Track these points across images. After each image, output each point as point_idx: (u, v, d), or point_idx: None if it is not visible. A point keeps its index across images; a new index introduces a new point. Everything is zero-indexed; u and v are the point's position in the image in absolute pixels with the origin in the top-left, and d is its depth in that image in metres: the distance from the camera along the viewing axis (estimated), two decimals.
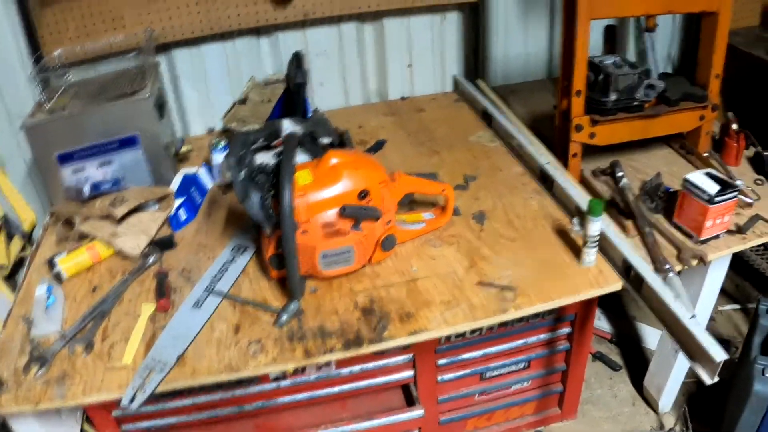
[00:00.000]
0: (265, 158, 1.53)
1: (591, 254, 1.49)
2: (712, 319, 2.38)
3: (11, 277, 1.93)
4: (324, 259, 1.44)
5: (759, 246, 2.29)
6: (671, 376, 1.98)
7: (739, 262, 2.41)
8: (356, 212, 1.41)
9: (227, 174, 1.78)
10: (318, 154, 1.50)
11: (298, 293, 1.44)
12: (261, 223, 1.43)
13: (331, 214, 1.41)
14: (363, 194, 1.42)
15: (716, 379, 1.25)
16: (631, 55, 2.44)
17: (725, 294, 2.50)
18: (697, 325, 1.29)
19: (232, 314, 1.46)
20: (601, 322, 2.39)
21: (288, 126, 1.66)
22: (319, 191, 1.39)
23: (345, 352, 1.35)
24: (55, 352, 1.40)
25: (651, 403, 2.11)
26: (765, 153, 1.83)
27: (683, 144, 1.92)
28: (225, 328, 1.43)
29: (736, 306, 2.45)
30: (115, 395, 1.31)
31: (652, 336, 2.30)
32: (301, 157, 1.54)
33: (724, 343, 2.28)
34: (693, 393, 2.13)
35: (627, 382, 2.20)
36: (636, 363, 2.24)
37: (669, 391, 2.04)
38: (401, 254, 1.59)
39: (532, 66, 2.42)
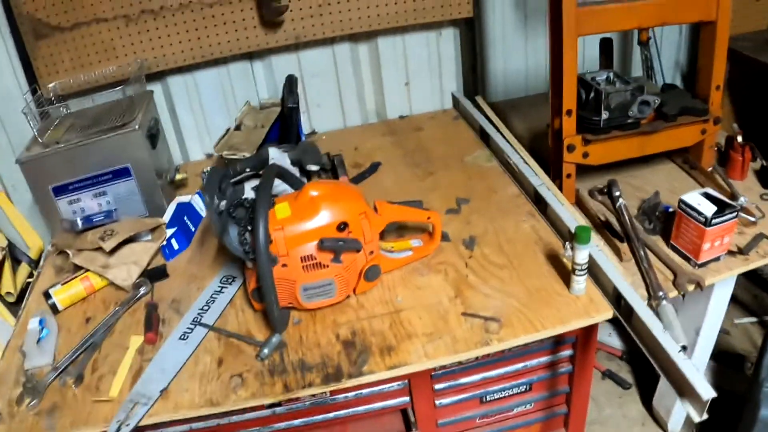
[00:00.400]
0: (249, 190, 1.53)
1: (580, 282, 1.44)
2: (726, 332, 2.30)
3: (18, 303, 1.97)
4: (305, 292, 1.42)
5: None
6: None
7: (754, 274, 2.31)
8: (335, 245, 1.39)
9: None
10: (298, 188, 1.48)
11: (280, 327, 1.43)
12: (241, 258, 1.42)
13: (310, 247, 1.39)
14: (342, 227, 1.40)
15: (705, 416, 1.20)
16: (636, 66, 2.35)
17: (742, 306, 2.41)
18: (685, 359, 1.23)
19: (217, 347, 1.46)
20: (611, 339, 2.33)
21: (274, 155, 1.65)
22: (298, 224, 1.38)
23: (324, 387, 1.33)
24: (47, 384, 1.42)
25: (661, 424, 2.05)
26: None
27: (686, 159, 1.85)
28: (209, 361, 1.42)
29: (753, 319, 2.36)
30: (100, 428, 1.32)
31: None
32: (282, 188, 1.54)
33: (738, 358, 2.20)
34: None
35: (637, 401, 2.14)
36: (646, 381, 2.17)
37: (679, 411, 1.98)
38: (387, 283, 1.56)
39: (533, 80, 2.36)
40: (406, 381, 1.67)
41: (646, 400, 2.12)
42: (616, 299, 1.43)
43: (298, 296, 1.43)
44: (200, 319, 1.52)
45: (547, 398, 1.88)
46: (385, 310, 1.49)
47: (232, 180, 1.54)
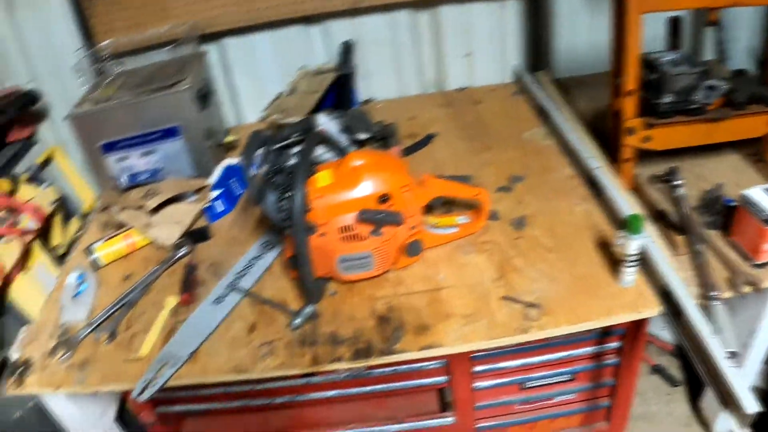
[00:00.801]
0: (292, 156, 1.48)
1: (629, 274, 1.34)
2: None
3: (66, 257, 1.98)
4: (342, 264, 1.37)
5: None
6: None
7: None
8: (375, 217, 1.33)
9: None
10: (343, 156, 1.42)
11: (314, 297, 1.38)
12: (278, 224, 1.37)
13: (350, 217, 1.33)
14: (384, 198, 1.33)
15: (748, 430, 1.11)
16: (708, 49, 2.19)
17: None
18: (731, 367, 1.13)
19: (251, 313, 1.42)
20: (664, 333, 2.20)
21: (323, 121, 1.59)
22: (338, 194, 1.32)
23: (352, 362, 1.28)
24: (81, 339, 1.42)
25: (707, 426, 1.93)
26: None
27: (756, 150, 1.70)
28: (241, 327, 1.39)
29: None
30: (128, 385, 1.31)
31: None
32: (328, 156, 1.48)
33: None
34: (752, 421, 1.93)
35: (685, 401, 2.02)
36: (697, 380, 2.05)
37: (725, 417, 1.85)
38: (430, 259, 1.49)
39: (603, 56, 2.22)
40: (445, 360, 1.61)
41: (694, 399, 2.00)
42: (666, 295, 1.32)
43: (336, 268, 1.37)
44: (236, 284, 1.48)
45: (590, 389, 1.79)
46: (425, 287, 1.42)
47: (278, 145, 1.49)
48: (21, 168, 1.97)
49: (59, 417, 1.60)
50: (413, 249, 1.43)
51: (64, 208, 2.04)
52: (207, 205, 1.71)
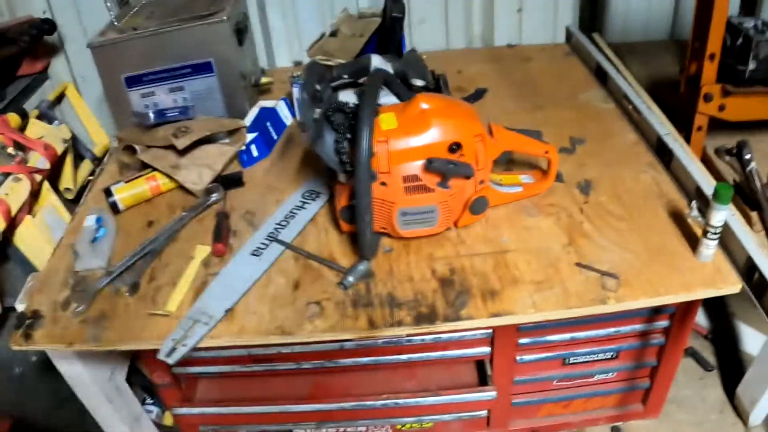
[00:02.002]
0: (349, 96, 1.26)
1: (710, 247, 1.16)
2: None
3: (77, 201, 1.75)
4: (402, 218, 1.17)
5: None
6: None
7: None
8: (445, 167, 1.13)
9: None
10: (406, 99, 1.22)
11: (370, 253, 1.18)
12: (334, 169, 1.16)
13: (416, 166, 1.13)
14: (454, 147, 1.13)
15: None
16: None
17: None
18: None
19: (294, 268, 1.23)
20: (698, 316, 2.05)
21: (377, 63, 1.38)
22: (404, 139, 1.12)
23: (415, 327, 1.10)
24: (98, 290, 1.21)
25: (741, 414, 1.77)
26: None
27: None
28: (283, 283, 1.20)
29: None
30: (152, 345, 1.11)
31: (753, 339, 1.94)
32: (386, 99, 1.26)
33: None
34: None
35: (718, 386, 1.86)
36: (730, 366, 1.89)
37: (764, 405, 1.70)
38: (492, 220, 1.30)
39: (654, 24, 2.02)
40: (491, 331, 1.43)
41: (728, 385, 1.84)
42: (748, 271, 1.17)
43: (395, 221, 1.17)
44: (277, 235, 1.28)
45: (631, 369, 1.62)
46: (489, 249, 1.23)
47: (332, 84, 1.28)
48: (31, 104, 1.73)
49: (65, 375, 1.38)
50: (479, 206, 1.23)
51: (76, 149, 1.80)
52: (241, 148, 1.49)
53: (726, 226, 1.19)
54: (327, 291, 1.17)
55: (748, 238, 1.20)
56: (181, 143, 1.37)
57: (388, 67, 1.39)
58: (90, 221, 1.32)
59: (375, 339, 1.24)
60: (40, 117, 1.70)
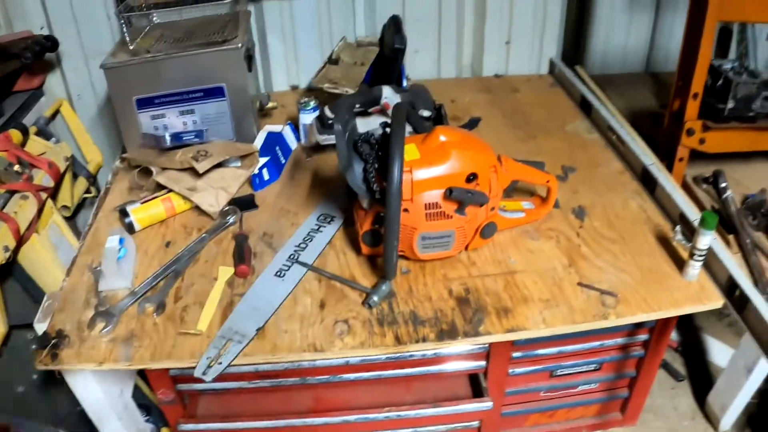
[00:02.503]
0: (365, 125, 1.40)
1: (696, 268, 1.35)
2: None
3: (71, 219, 1.82)
4: (422, 241, 1.31)
5: None
6: (738, 395, 1.85)
7: None
8: (464, 196, 1.28)
9: (316, 137, 1.64)
10: (422, 130, 1.36)
11: (392, 274, 1.32)
12: (360, 196, 1.30)
13: (436, 194, 1.27)
14: (471, 177, 1.29)
15: None
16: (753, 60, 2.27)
17: None
18: None
19: (318, 289, 1.35)
20: None
21: (388, 94, 1.53)
22: (426, 168, 1.26)
23: (438, 343, 1.24)
24: (124, 309, 1.30)
25: (712, 420, 1.99)
26: None
27: None
28: (309, 302, 1.31)
29: None
30: (186, 363, 1.20)
31: (719, 351, 2.16)
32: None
33: None
34: (754, 414, 2.01)
35: (689, 395, 2.08)
36: (699, 376, 2.11)
37: (733, 411, 1.92)
38: (498, 243, 1.46)
39: (631, 58, 2.25)
40: (487, 346, 1.58)
41: (698, 394, 2.06)
42: (729, 289, 1.35)
43: (414, 245, 1.31)
44: (297, 257, 1.40)
45: (612, 380, 1.81)
46: (498, 270, 1.39)
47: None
48: (28, 120, 1.80)
49: (79, 394, 1.45)
50: (489, 231, 1.39)
51: (72, 166, 1.88)
52: (254, 172, 1.60)
53: (708, 249, 1.38)
54: (353, 310, 1.29)
55: (728, 258, 1.38)
56: (202, 167, 1.48)
57: (397, 98, 1.55)
58: (113, 242, 1.39)
59: (403, 354, 1.37)
60: (37, 133, 1.77)
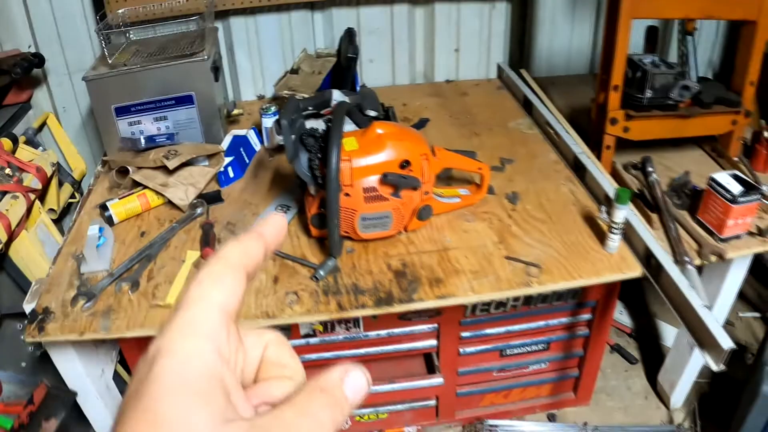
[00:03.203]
0: (315, 124, 1.68)
1: (615, 240, 1.60)
2: (731, 324, 2.48)
3: (58, 222, 2.10)
4: (363, 222, 1.58)
5: None
6: (685, 372, 2.08)
7: (761, 271, 2.51)
8: (397, 180, 1.54)
9: (276, 138, 1.93)
10: (364, 126, 1.64)
11: (337, 251, 1.58)
12: (307, 183, 1.57)
13: (373, 179, 1.54)
14: (404, 164, 1.55)
15: (722, 366, 1.34)
16: (673, 57, 2.53)
17: (747, 301, 2.60)
18: (708, 313, 1.38)
19: (272, 267, 1.60)
20: (622, 317, 2.51)
21: (337, 96, 1.80)
22: (364, 158, 1.52)
23: (376, 309, 1.47)
24: (103, 288, 1.54)
25: (663, 399, 2.22)
26: None
27: (715, 147, 2.02)
28: (264, 278, 1.56)
29: (757, 314, 2.55)
30: (156, 331, 1.46)
31: (670, 333, 2.40)
32: (347, 127, 1.69)
33: (740, 348, 2.39)
34: (705, 393, 2.24)
35: (642, 376, 2.32)
36: (652, 359, 2.35)
37: (681, 388, 2.15)
38: (436, 225, 1.71)
39: (575, 60, 2.54)
40: (436, 325, 1.84)
41: (651, 376, 2.29)
42: (646, 259, 1.58)
43: (356, 226, 1.57)
44: None
45: (561, 359, 2.05)
46: (434, 247, 1.64)
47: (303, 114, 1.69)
48: (17, 131, 2.09)
49: (63, 370, 1.71)
50: (425, 213, 1.65)
51: (58, 173, 2.17)
52: (220, 170, 1.88)
53: (628, 224, 1.62)
54: (302, 283, 1.54)
55: (645, 231, 1.60)
56: (172, 164, 1.76)
57: (346, 100, 1.82)
58: (93, 230, 1.66)
59: (328, 334, 1.61)
60: (26, 143, 2.06)
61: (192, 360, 0.34)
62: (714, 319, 1.38)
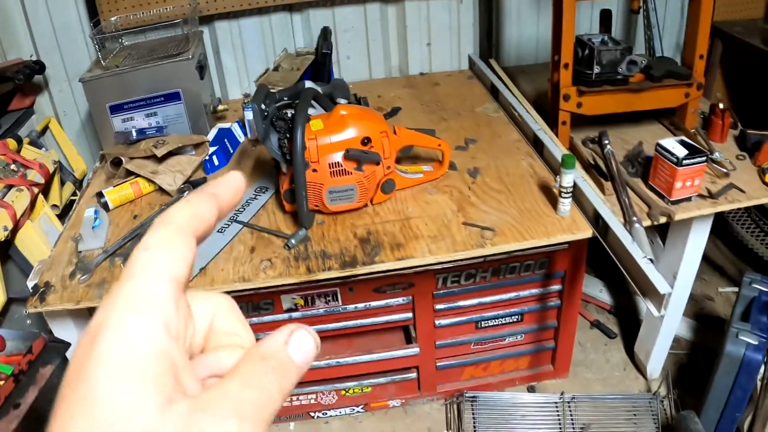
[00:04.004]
0: (290, 112, 1.97)
1: (566, 204, 1.83)
2: (710, 299, 2.70)
3: (61, 218, 2.41)
4: (330, 195, 1.84)
5: (750, 224, 2.64)
6: (658, 340, 2.29)
7: (739, 247, 2.74)
8: (359, 155, 1.81)
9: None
10: (328, 110, 1.92)
11: (307, 222, 1.84)
12: (279, 161, 1.85)
13: (338, 155, 1.80)
14: (366, 141, 1.82)
15: (663, 312, 1.55)
16: (640, 42, 2.76)
17: (728, 277, 2.82)
18: (648, 263, 1.60)
19: (250, 239, 1.86)
20: (602, 294, 2.74)
21: (310, 86, 2.09)
22: (328, 136, 1.79)
23: (341, 271, 1.73)
24: (98, 263, 1.81)
25: (641, 369, 2.44)
26: (748, 131, 2.16)
27: (672, 120, 2.25)
28: (242, 249, 1.82)
29: (736, 289, 2.76)
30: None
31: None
32: (317, 111, 1.97)
33: (719, 321, 2.61)
34: (684, 364, 2.46)
35: (621, 350, 2.54)
36: (631, 333, 2.56)
37: (656, 357, 2.34)
38: (400, 198, 1.97)
39: (543, 49, 2.81)
40: (411, 297, 2.09)
41: (629, 349, 2.51)
42: (596, 220, 1.80)
43: (324, 199, 1.84)
44: (236, 217, 1.94)
45: (536, 331, 2.27)
46: (397, 217, 1.89)
47: (276, 104, 1.97)
48: (22, 134, 2.41)
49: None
50: (388, 186, 1.92)
51: (60, 173, 2.48)
52: (205, 158, 2.18)
53: (579, 190, 1.85)
54: (275, 251, 1.80)
55: (594, 196, 1.83)
56: (160, 152, 2.05)
57: (319, 89, 2.11)
58: (89, 212, 1.94)
59: (309, 308, 1.87)
60: (30, 144, 2.38)
61: (137, 337, 0.32)
62: (653, 268, 1.59)
